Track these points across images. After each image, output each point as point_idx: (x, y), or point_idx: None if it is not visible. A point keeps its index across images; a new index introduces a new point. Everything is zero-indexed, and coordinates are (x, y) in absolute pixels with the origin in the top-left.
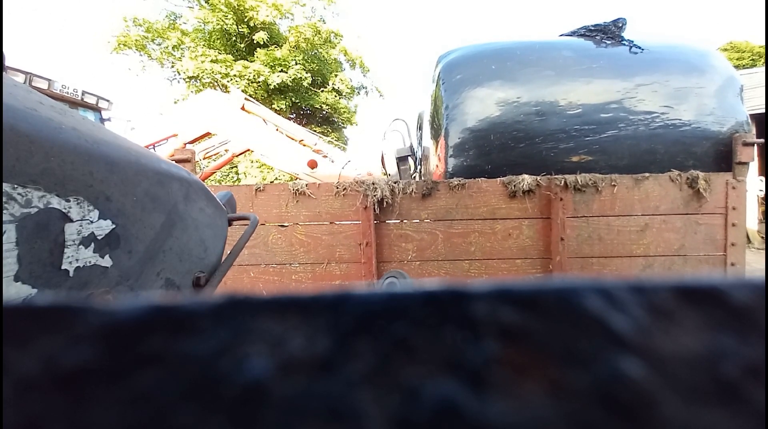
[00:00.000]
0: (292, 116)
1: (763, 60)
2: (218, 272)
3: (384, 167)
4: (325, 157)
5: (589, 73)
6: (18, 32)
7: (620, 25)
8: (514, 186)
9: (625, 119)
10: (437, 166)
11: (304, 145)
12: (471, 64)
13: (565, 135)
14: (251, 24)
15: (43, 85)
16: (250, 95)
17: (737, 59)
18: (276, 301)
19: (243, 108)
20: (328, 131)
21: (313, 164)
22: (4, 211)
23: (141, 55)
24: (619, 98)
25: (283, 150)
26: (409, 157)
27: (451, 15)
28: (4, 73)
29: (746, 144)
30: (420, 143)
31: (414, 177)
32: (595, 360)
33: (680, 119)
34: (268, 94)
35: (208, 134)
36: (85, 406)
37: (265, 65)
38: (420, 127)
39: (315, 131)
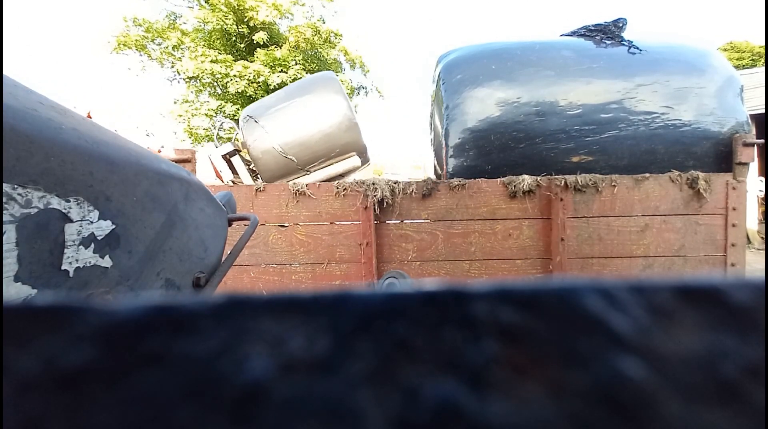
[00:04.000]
0: None
1: (763, 60)
2: (218, 272)
3: (214, 166)
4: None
5: (589, 73)
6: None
7: (620, 25)
8: (515, 186)
9: (625, 119)
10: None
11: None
12: (471, 64)
13: (565, 135)
14: (251, 24)
15: None
16: (250, 95)
17: (737, 59)
18: (276, 301)
19: None
20: None
21: None
22: (4, 211)
23: (141, 55)
24: (619, 98)
25: None
26: (237, 152)
27: (451, 15)
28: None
29: (746, 144)
30: (245, 137)
31: (255, 171)
32: (595, 360)
33: (680, 119)
34: (268, 95)
35: None
36: (85, 407)
37: (265, 65)
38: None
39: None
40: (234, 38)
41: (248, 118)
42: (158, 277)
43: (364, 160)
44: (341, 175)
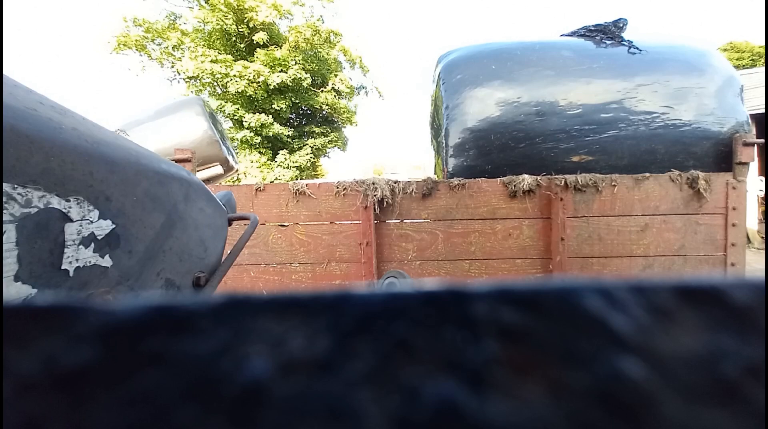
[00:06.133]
0: (291, 116)
1: (763, 60)
2: (218, 272)
3: None
4: None
5: (589, 73)
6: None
7: (621, 25)
8: (515, 186)
9: (625, 119)
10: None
11: None
12: (471, 64)
13: (565, 135)
14: (251, 24)
15: None
16: (250, 95)
17: (737, 59)
18: (276, 301)
19: None
20: (328, 132)
21: None
22: (4, 211)
23: (141, 55)
24: (619, 98)
25: None
26: None
27: (451, 15)
28: None
29: (746, 144)
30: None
31: None
32: (595, 360)
33: (680, 119)
34: (267, 95)
35: None
36: (85, 407)
37: (265, 65)
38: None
39: (315, 131)
40: (234, 38)
41: (119, 131)
42: (158, 277)
43: (227, 168)
44: (207, 181)
